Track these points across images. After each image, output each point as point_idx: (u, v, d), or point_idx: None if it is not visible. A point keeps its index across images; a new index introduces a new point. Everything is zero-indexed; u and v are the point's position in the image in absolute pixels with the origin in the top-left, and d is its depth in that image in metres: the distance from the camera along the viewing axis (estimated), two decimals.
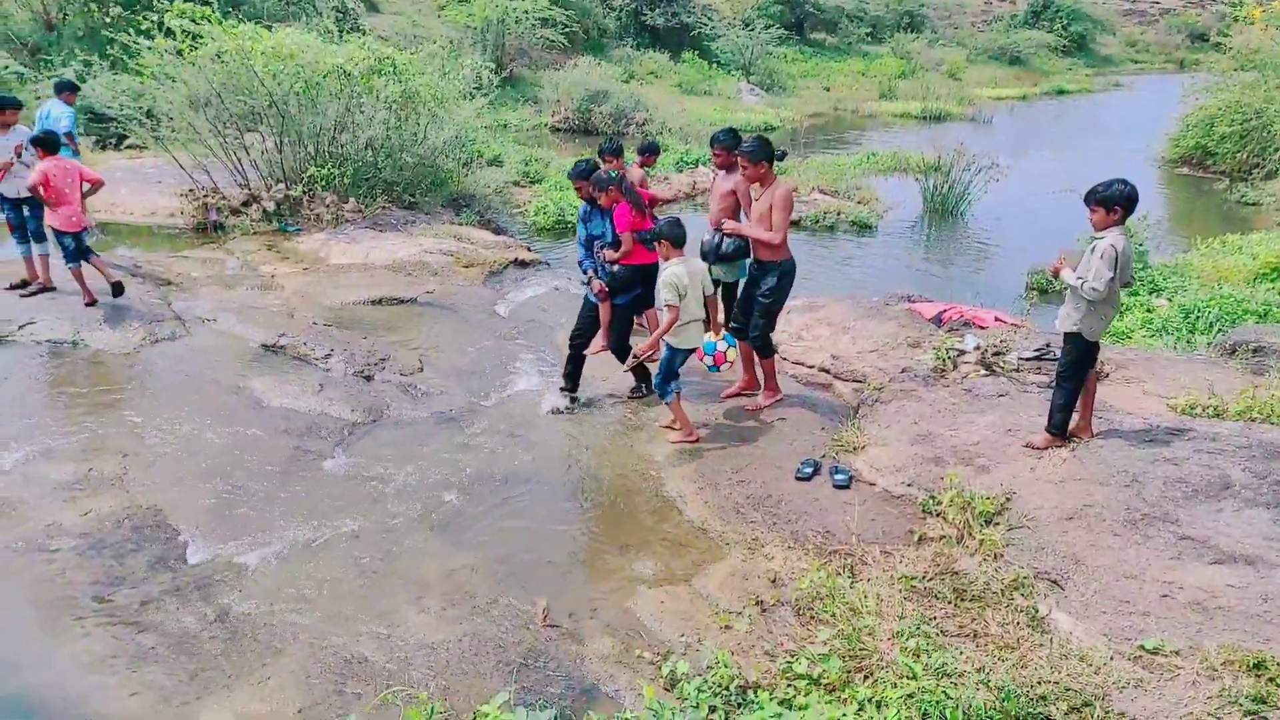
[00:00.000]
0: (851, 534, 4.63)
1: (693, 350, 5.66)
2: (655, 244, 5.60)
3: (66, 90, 9.20)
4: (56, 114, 8.99)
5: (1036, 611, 3.95)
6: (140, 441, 5.48)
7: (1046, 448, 5.10)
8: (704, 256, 6.11)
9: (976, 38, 41.44)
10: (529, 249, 10.83)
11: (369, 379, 6.67)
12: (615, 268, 5.94)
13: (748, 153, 5.70)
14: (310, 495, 5.03)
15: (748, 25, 30.74)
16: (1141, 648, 3.62)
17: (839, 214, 13.11)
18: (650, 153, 8.42)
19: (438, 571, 4.39)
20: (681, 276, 5.42)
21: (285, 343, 7.16)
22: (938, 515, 4.78)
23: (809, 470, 5.26)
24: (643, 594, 4.24)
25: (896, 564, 4.36)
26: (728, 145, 6.36)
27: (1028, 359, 6.44)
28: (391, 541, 4.62)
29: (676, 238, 5.47)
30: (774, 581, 4.31)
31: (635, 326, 6.71)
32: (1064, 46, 41.40)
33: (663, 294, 5.41)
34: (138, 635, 3.79)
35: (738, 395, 6.34)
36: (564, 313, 8.49)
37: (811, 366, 6.95)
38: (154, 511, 4.74)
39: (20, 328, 7.04)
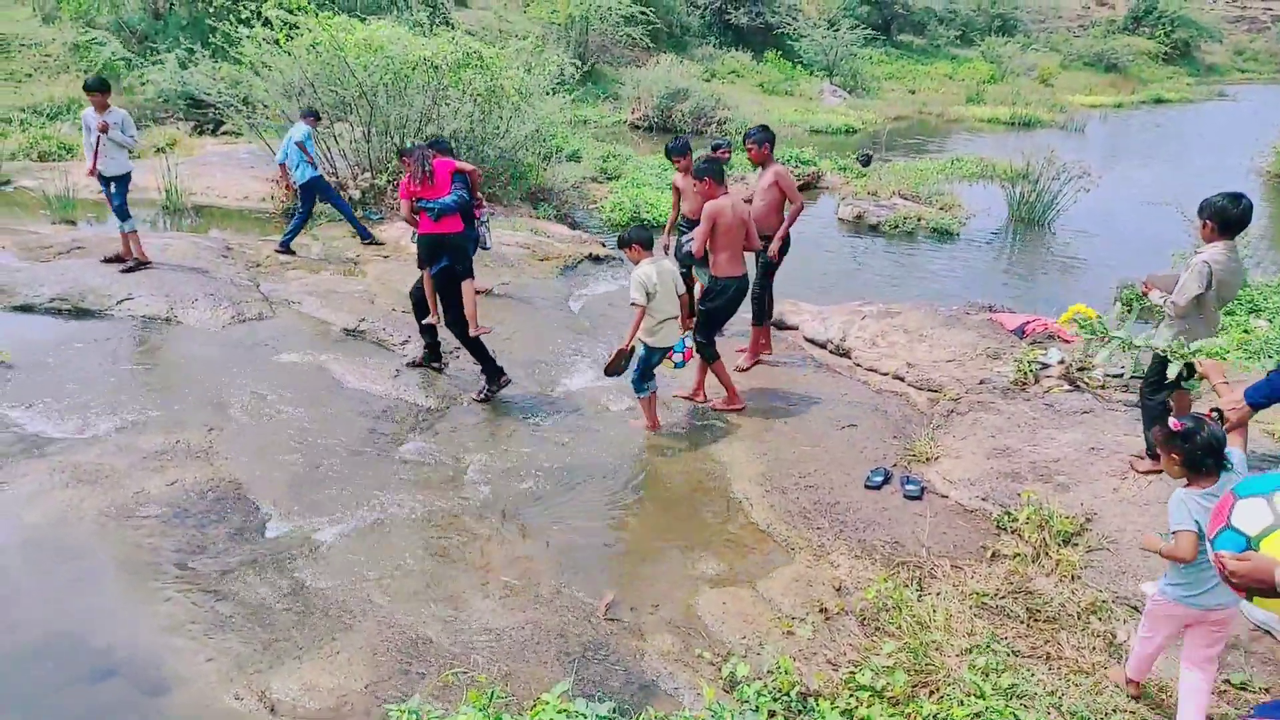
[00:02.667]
0: (921, 546, 4.53)
1: (669, 349, 5.72)
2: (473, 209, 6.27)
3: (311, 116, 9.55)
4: (294, 133, 9.28)
5: (1114, 637, 3.81)
6: (225, 416, 5.68)
7: (1149, 472, 4.89)
8: (678, 259, 6.49)
9: (1072, 43, 40.08)
10: (603, 244, 10.88)
11: (441, 369, 6.78)
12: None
13: (695, 173, 6.02)
14: (383, 477, 5.14)
15: (833, 26, 30.32)
16: (1227, 681, 3.46)
17: (919, 220, 12.85)
18: (721, 150, 8.46)
19: (503, 558, 4.44)
20: (650, 276, 5.47)
21: (365, 328, 7.35)
22: (1013, 532, 4.64)
23: (879, 479, 5.17)
24: (705, 593, 4.22)
25: (967, 579, 4.25)
26: (758, 140, 6.66)
27: (1114, 375, 6.20)
28: (459, 527, 4.70)
29: (644, 240, 5.56)
30: (839, 589, 4.25)
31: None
32: (1165, 54, 39.74)
33: (631, 293, 5.50)
34: (216, 603, 3.94)
35: (689, 398, 6.38)
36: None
37: (885, 374, 6.83)
38: (235, 485, 4.92)
39: (119, 302, 7.37)
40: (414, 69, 10.72)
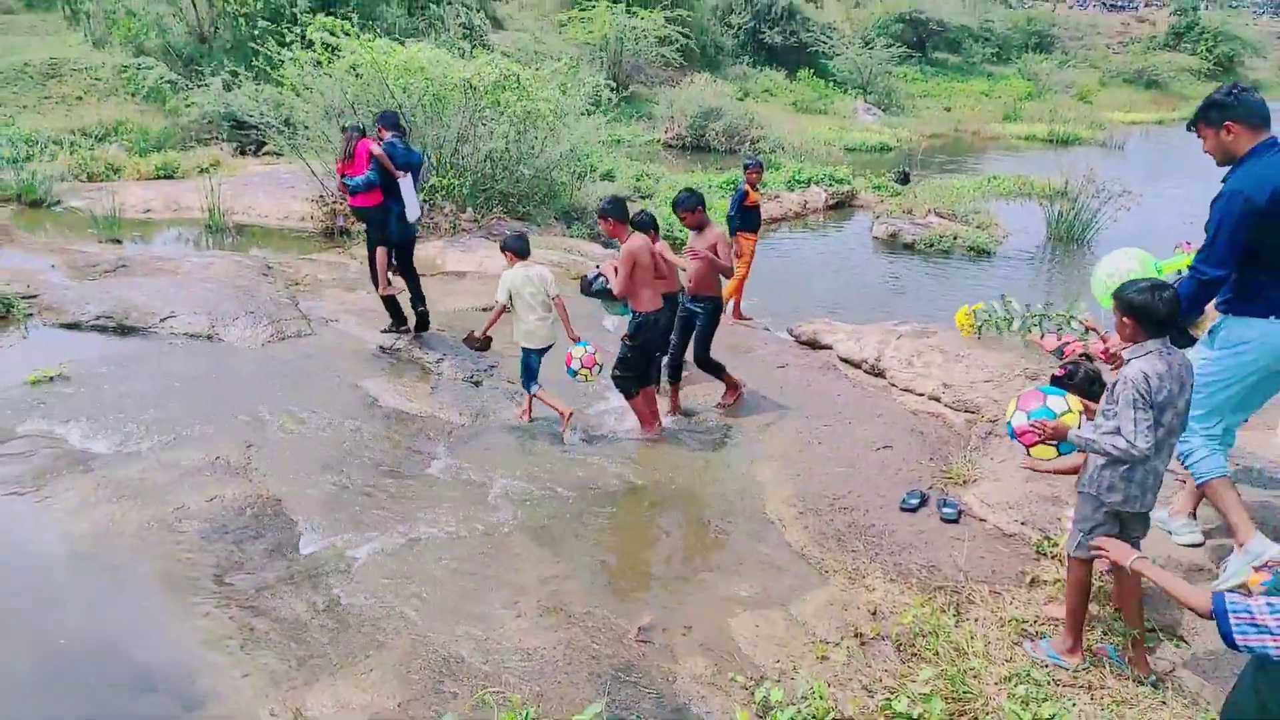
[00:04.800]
0: (959, 571, 4.46)
1: (546, 349, 6.14)
2: (366, 193, 7.00)
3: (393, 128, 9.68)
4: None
5: (1160, 666, 3.70)
6: (263, 433, 5.76)
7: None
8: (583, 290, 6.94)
9: (1111, 60, 39.60)
10: None
11: (477, 384, 6.84)
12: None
13: (599, 212, 6.05)
14: (417, 494, 5.18)
15: (868, 44, 30.28)
16: None
17: (955, 238, 12.74)
18: (751, 170, 8.59)
19: (534, 578, 4.44)
20: (515, 279, 5.98)
21: (400, 345, 7.42)
22: (1053, 558, 4.54)
23: (915, 502, 5.10)
24: (738, 616, 4.18)
25: (1006, 606, 4.17)
26: (689, 206, 6.24)
27: None
28: (491, 545, 4.71)
29: (517, 249, 6.11)
30: (874, 614, 4.19)
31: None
32: (1208, 70, 39.08)
33: (498, 293, 6.05)
34: (253, 619, 3.98)
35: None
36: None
37: (921, 394, 6.75)
38: (273, 501, 4.98)
39: (162, 320, 7.53)
40: (452, 90, 10.87)
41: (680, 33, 24.08)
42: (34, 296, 7.80)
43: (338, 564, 4.46)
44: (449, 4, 22.71)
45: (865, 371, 7.37)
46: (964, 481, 5.39)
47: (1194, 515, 4.50)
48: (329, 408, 6.20)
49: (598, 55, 24.07)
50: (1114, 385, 3.43)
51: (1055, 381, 3.94)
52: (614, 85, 15.08)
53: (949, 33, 35.90)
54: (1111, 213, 12.70)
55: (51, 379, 6.27)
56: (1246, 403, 4.16)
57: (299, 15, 11.27)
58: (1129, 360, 3.43)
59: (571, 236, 11.62)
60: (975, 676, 3.55)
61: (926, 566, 4.53)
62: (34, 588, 4.14)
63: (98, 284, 8.34)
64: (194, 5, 19.48)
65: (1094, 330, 4.19)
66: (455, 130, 11.30)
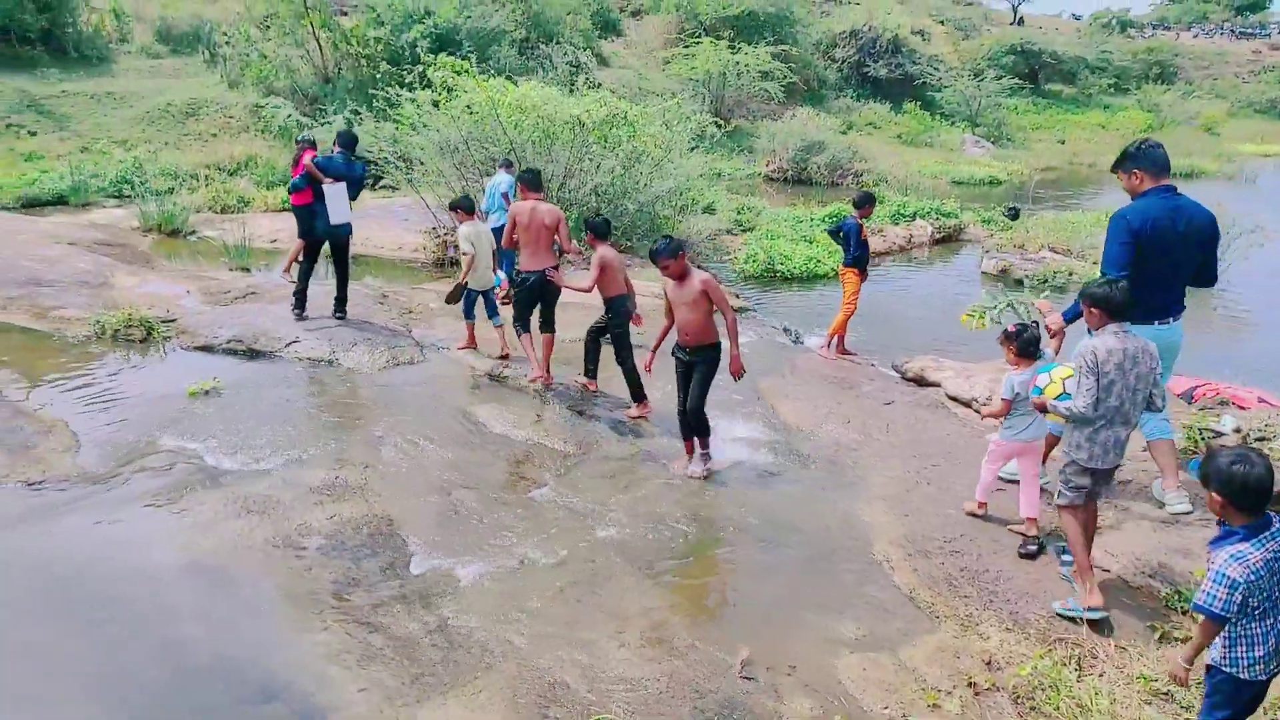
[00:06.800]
0: (1081, 623, 4.25)
1: (487, 290, 7.84)
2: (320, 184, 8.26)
3: (507, 165, 10.13)
4: (500, 184, 9.87)
5: None
6: (379, 455, 5.98)
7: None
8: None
9: (1240, 89, 37.73)
10: (738, 295, 10.91)
11: (581, 414, 6.94)
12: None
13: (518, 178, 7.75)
14: (522, 520, 5.27)
15: (977, 75, 29.70)
16: None
17: (1071, 274, 12.28)
18: (865, 204, 8.39)
19: (637, 608, 4.45)
20: (471, 233, 7.58)
21: (507, 373, 7.61)
22: (1185, 612, 4.29)
23: (1033, 548, 4.90)
24: (844, 657, 4.09)
25: (1133, 662, 3.95)
26: (671, 252, 5.67)
27: None
28: (593, 572, 4.75)
29: (466, 206, 7.87)
30: (989, 664, 4.03)
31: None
32: None
33: (461, 245, 7.66)
34: (369, 635, 4.11)
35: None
36: (769, 360, 8.47)
37: None
38: (387, 520, 5.15)
39: (287, 345, 7.93)
40: (561, 127, 11.18)
41: (784, 68, 24.14)
42: (172, 320, 8.34)
43: (446, 585, 4.57)
44: (557, 43, 23.44)
45: (976, 411, 7.15)
46: None
47: (1180, 488, 5.16)
48: (439, 432, 6.39)
49: (700, 90, 24.34)
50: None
51: (1005, 335, 5.10)
52: (720, 122, 15.20)
53: (1063, 64, 34.92)
54: (1242, 249, 12.01)
55: (206, 392, 6.78)
56: None
57: (420, 55, 11.80)
58: (1089, 337, 4.21)
59: None
60: None
61: (1046, 616, 4.34)
62: (168, 597, 4.38)
63: (229, 309, 8.86)
64: (320, 48, 20.67)
65: (1042, 313, 5.34)
66: (563, 165, 11.60)
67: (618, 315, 6.90)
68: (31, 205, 14.62)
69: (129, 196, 15.12)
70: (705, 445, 6.03)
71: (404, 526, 5.11)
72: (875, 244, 13.72)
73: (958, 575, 4.72)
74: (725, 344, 5.80)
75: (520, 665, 3.94)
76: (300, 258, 8.87)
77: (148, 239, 12.47)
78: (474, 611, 4.34)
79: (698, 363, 5.85)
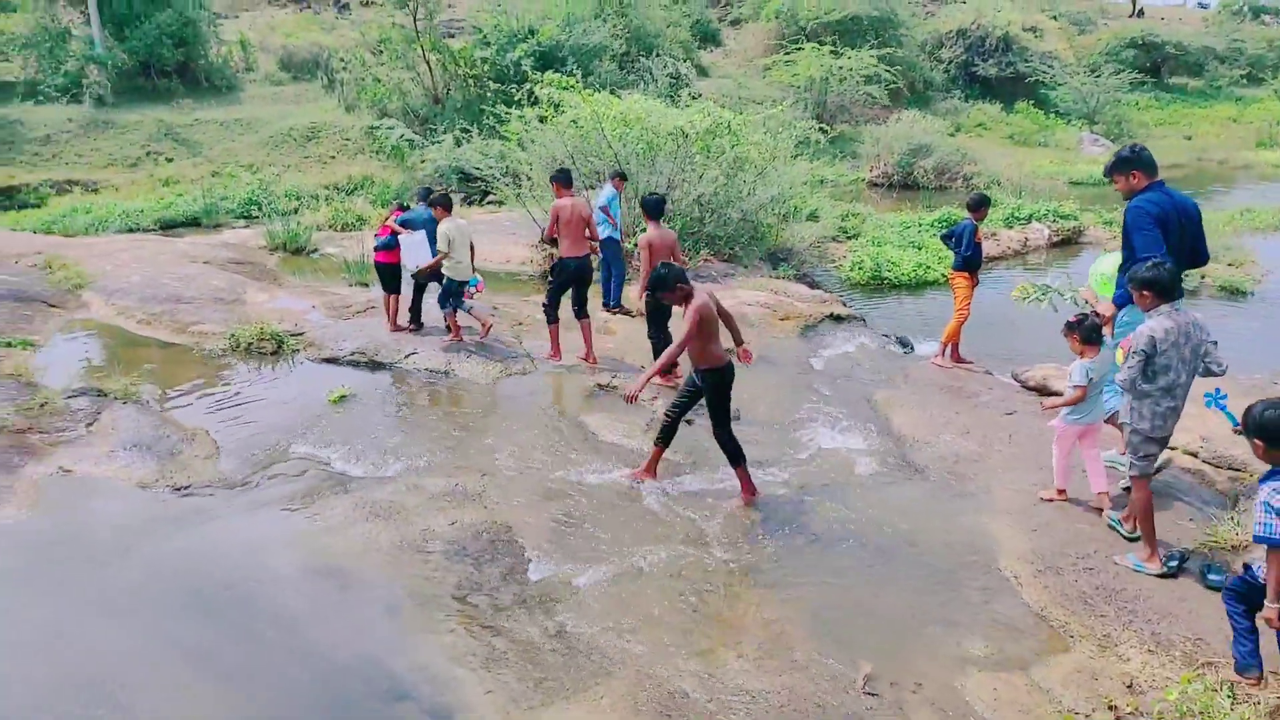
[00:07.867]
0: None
1: (466, 281, 8.40)
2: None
3: (618, 178, 10.28)
4: (601, 196, 10.06)
5: None
6: (495, 462, 6.13)
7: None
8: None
9: None
10: (844, 303, 10.74)
11: (689, 423, 6.92)
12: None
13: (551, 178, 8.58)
14: (636, 528, 5.30)
15: (1094, 71, 28.43)
16: None
17: (1202, 276, 11.57)
18: (980, 206, 8.14)
19: (755, 618, 4.42)
20: (451, 230, 8.08)
21: (617, 383, 7.68)
22: None
23: (1174, 564, 4.63)
24: (972, 676, 3.96)
25: None
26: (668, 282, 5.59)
27: None
28: (709, 581, 4.73)
29: (445, 204, 8.38)
30: (1129, 687, 3.83)
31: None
32: None
33: (439, 244, 8.10)
34: (492, 638, 4.21)
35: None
36: (882, 370, 8.29)
37: (1174, 448, 6.14)
38: (505, 527, 5.27)
39: (406, 356, 8.23)
40: (665, 138, 11.26)
41: (889, 71, 23.66)
42: (300, 334, 8.77)
43: (564, 591, 4.64)
44: (657, 56, 23.62)
45: (1104, 421, 6.80)
46: (1232, 546, 4.84)
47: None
48: (552, 440, 6.50)
49: (802, 97, 24.09)
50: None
51: (1068, 325, 5.26)
52: (823, 128, 15.01)
53: (1189, 55, 33.07)
54: None
55: (344, 398, 7.18)
56: None
57: (526, 73, 12.10)
58: (1146, 320, 4.49)
59: (779, 277, 11.61)
60: None
61: (1192, 638, 4.09)
62: (304, 597, 4.59)
63: (351, 323, 9.25)
64: (430, 70, 21.43)
65: (1092, 305, 5.58)
66: (666, 176, 11.66)
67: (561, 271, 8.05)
68: (168, 227, 15.69)
69: (256, 217, 16.04)
70: (742, 472, 5.63)
71: (521, 533, 5.21)
72: (989, 248, 13.25)
73: (1093, 593, 4.50)
74: (728, 363, 5.62)
75: (639, 673, 3.96)
76: (394, 313, 8.95)
77: (274, 257, 13.16)
78: (591, 618, 4.39)
79: (703, 387, 5.64)
